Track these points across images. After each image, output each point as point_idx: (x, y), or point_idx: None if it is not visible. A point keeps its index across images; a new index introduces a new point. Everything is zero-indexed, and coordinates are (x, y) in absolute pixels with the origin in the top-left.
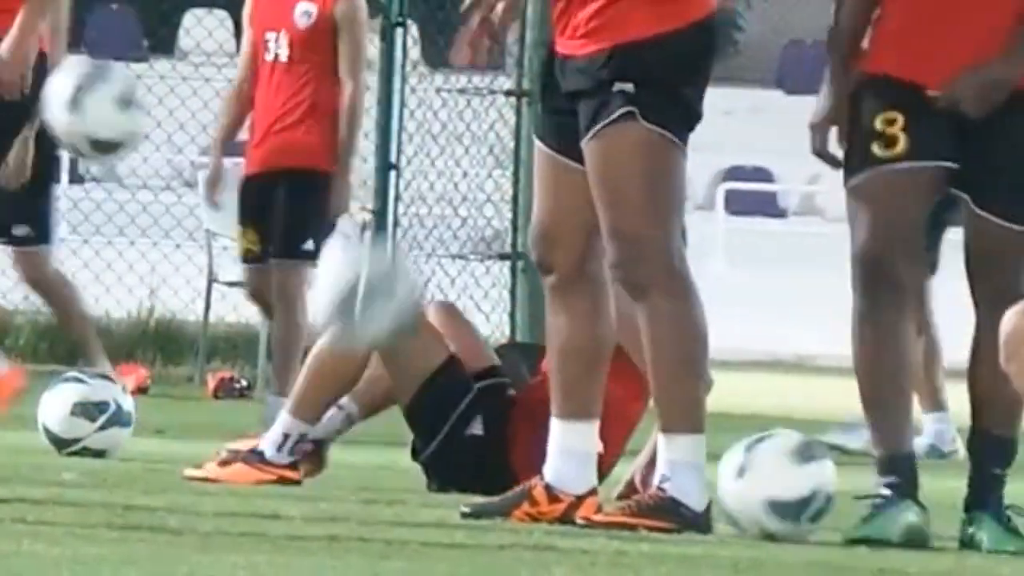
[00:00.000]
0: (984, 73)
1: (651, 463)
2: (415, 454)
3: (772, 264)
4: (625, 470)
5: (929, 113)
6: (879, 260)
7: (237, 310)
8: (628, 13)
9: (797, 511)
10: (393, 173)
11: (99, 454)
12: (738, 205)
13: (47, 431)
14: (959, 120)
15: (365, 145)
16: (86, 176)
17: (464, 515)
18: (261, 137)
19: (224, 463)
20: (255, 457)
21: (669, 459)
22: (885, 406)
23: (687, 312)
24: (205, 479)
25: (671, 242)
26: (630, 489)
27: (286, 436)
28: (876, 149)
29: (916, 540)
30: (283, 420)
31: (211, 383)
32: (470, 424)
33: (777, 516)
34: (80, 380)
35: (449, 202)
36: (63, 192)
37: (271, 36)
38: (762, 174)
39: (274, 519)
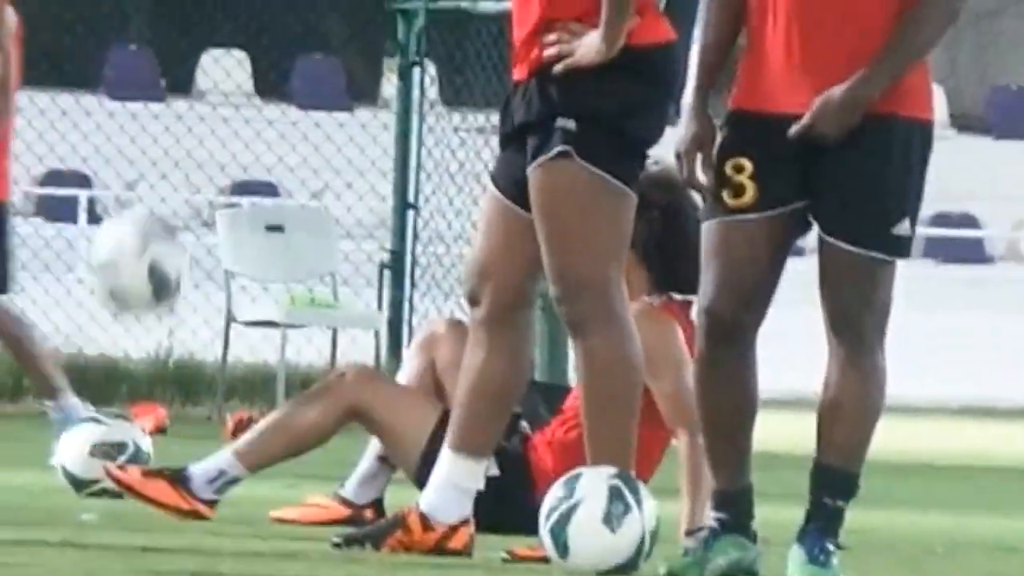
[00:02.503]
0: (842, 95)
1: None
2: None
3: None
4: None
5: (778, 155)
6: (722, 315)
7: (255, 350)
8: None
9: (633, 564)
10: (411, 212)
11: (118, 495)
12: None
13: (65, 472)
14: (808, 151)
15: (383, 185)
16: (104, 216)
17: (335, 545)
18: None
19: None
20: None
21: None
22: (721, 447)
23: (620, 352)
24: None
25: (608, 282)
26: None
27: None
28: (726, 197)
29: (738, 573)
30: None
31: (230, 423)
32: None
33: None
34: (98, 421)
35: (467, 241)
36: (82, 232)
37: None
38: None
39: (292, 559)
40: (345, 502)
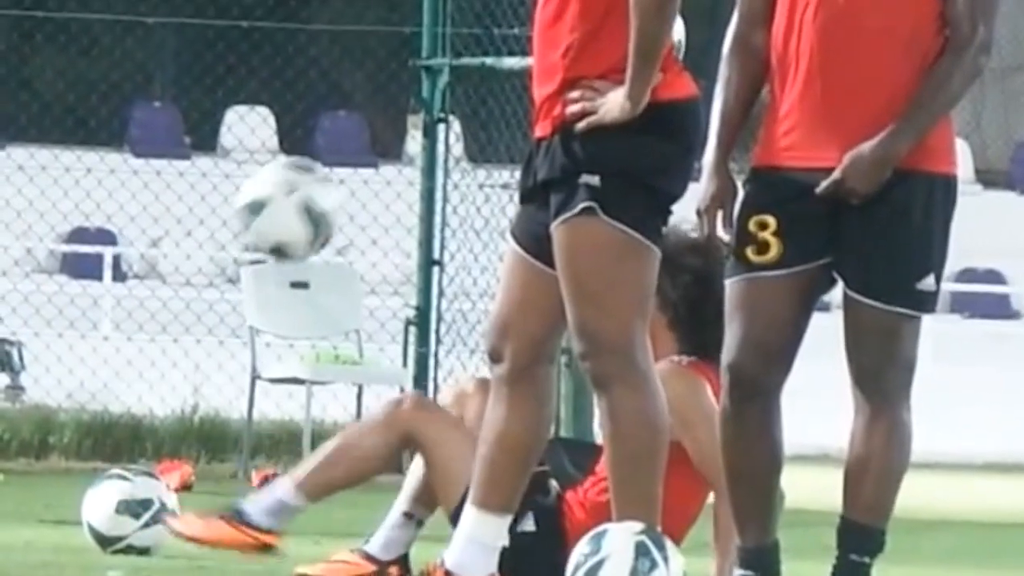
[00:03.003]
0: (872, 151)
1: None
2: None
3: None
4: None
5: (802, 211)
6: (746, 372)
7: (281, 407)
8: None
9: None
10: (436, 269)
11: (143, 552)
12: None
13: (91, 529)
14: (833, 208)
15: (408, 241)
16: (129, 274)
17: None
18: None
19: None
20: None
21: None
22: (747, 504)
23: (644, 408)
24: None
25: (633, 338)
26: None
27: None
28: (750, 254)
29: None
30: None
31: (255, 480)
32: (521, 521)
33: None
34: (124, 477)
35: (492, 298)
36: (106, 290)
37: None
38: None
39: None
40: (370, 558)
